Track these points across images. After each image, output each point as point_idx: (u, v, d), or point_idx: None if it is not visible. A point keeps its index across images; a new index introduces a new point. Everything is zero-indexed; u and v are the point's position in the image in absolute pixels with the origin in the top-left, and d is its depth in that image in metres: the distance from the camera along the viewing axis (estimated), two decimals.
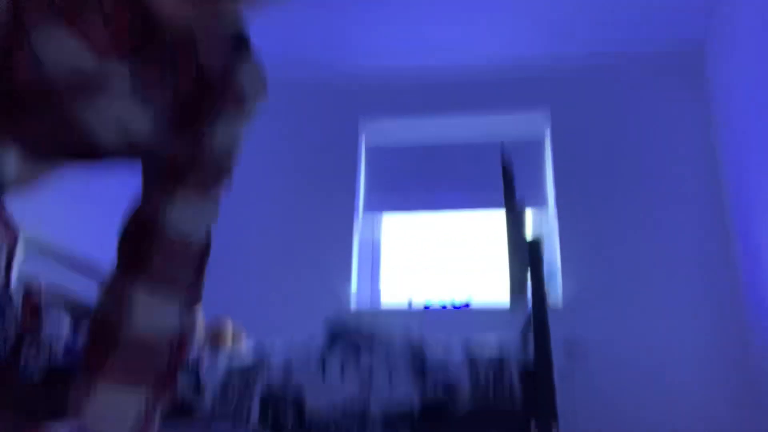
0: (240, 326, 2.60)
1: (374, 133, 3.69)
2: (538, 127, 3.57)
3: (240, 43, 0.72)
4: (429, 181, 3.53)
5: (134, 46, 0.60)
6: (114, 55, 0.59)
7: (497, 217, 3.46)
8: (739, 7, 2.96)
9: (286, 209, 3.53)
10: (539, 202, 3.40)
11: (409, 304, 3.28)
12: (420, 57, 3.61)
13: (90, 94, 0.61)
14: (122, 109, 0.63)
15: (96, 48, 0.58)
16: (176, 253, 0.78)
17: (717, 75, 3.26)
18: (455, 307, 3.21)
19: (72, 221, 2.83)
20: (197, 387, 1.91)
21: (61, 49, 0.57)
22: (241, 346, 2.40)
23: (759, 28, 2.75)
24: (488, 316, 3.13)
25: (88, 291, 2.72)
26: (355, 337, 2.13)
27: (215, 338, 2.44)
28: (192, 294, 0.81)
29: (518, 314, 2.06)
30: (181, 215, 0.77)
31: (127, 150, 0.68)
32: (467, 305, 3.22)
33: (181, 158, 0.75)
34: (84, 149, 0.67)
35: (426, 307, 3.24)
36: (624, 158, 3.35)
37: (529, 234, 1.87)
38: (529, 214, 3.41)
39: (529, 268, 1.73)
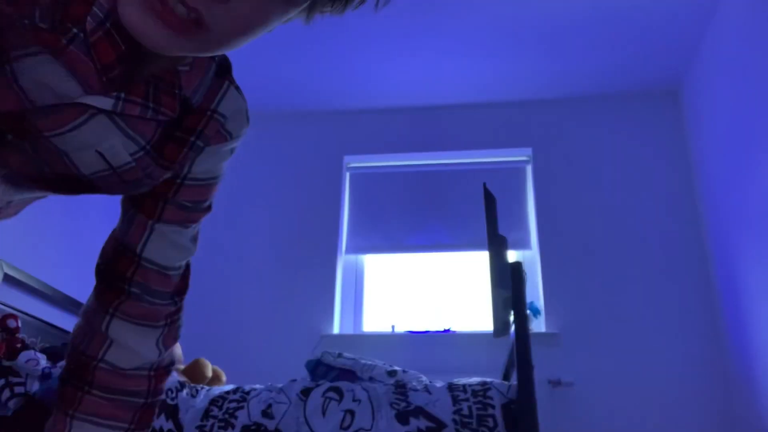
0: (219, 369, 2.57)
1: (358, 171, 3.70)
2: (519, 166, 3.61)
3: (222, 70, 0.72)
4: (413, 221, 3.52)
5: (119, 77, 0.60)
6: (99, 86, 0.59)
7: (480, 257, 3.47)
8: (716, 48, 3.04)
9: (269, 248, 3.51)
10: (523, 244, 3.42)
11: (392, 329, 3.29)
12: (404, 98, 3.65)
13: (72, 125, 0.60)
14: (104, 141, 0.63)
15: (81, 79, 0.58)
16: (154, 286, 0.77)
17: (694, 114, 3.33)
18: (438, 332, 3.21)
19: (50, 253, 2.80)
20: (176, 427, 1.87)
21: (46, 79, 0.56)
22: (220, 386, 2.36)
23: (736, 68, 2.83)
24: (470, 340, 3.13)
25: (65, 323, 2.68)
26: (336, 375, 2.10)
27: (194, 376, 2.39)
28: (170, 327, 0.80)
29: (501, 339, 2.05)
30: (160, 248, 0.76)
31: (108, 182, 0.67)
32: (448, 330, 3.23)
33: (161, 190, 0.74)
34: (65, 180, 0.66)
35: (409, 332, 3.24)
36: (604, 197, 3.39)
37: (511, 259, 1.88)
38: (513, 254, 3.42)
39: (511, 293, 1.74)
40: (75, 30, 0.56)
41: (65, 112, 0.59)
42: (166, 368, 0.81)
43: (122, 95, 0.61)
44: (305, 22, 0.61)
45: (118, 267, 0.77)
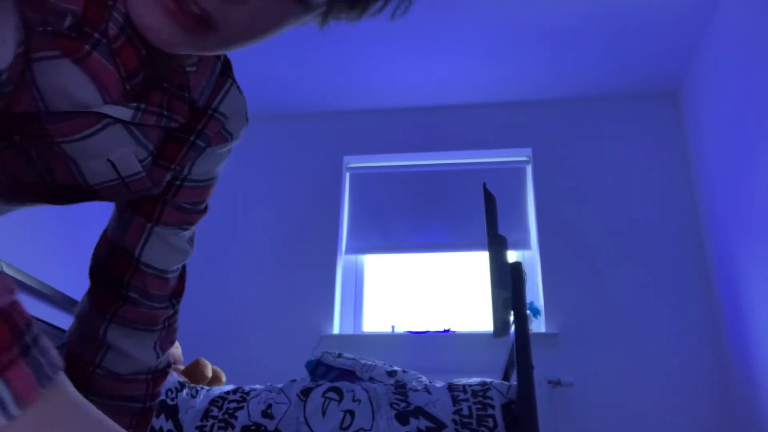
0: (219, 369, 2.56)
1: (358, 171, 3.70)
2: (519, 166, 3.60)
3: (224, 69, 0.71)
4: (413, 221, 3.52)
5: (138, 86, 0.59)
6: (120, 93, 0.58)
7: (480, 257, 3.47)
8: (716, 49, 3.04)
9: (269, 249, 3.50)
10: (523, 244, 3.42)
11: (392, 329, 3.29)
12: (404, 98, 3.65)
13: (86, 133, 0.59)
14: (117, 150, 0.62)
15: (102, 86, 0.57)
16: (153, 290, 0.75)
17: (694, 114, 3.33)
18: (438, 332, 3.21)
19: (50, 253, 2.80)
20: (175, 427, 1.87)
21: (64, 84, 0.55)
22: (220, 386, 2.36)
23: (736, 68, 2.82)
24: (470, 340, 3.13)
25: (65, 323, 2.67)
26: (336, 375, 2.10)
27: (194, 376, 2.39)
28: (168, 330, 0.79)
29: (501, 339, 2.05)
30: (159, 251, 0.74)
31: (113, 191, 0.66)
32: (448, 330, 3.23)
33: (159, 192, 0.73)
34: (65, 189, 0.65)
35: (409, 332, 3.24)
36: (604, 198, 3.39)
37: (511, 259, 1.88)
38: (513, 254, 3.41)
39: (511, 293, 1.74)
40: (97, 35, 0.54)
41: (79, 120, 0.58)
42: (163, 371, 0.80)
43: (142, 106, 0.60)
44: (319, 27, 0.60)
45: (115, 271, 0.75)
